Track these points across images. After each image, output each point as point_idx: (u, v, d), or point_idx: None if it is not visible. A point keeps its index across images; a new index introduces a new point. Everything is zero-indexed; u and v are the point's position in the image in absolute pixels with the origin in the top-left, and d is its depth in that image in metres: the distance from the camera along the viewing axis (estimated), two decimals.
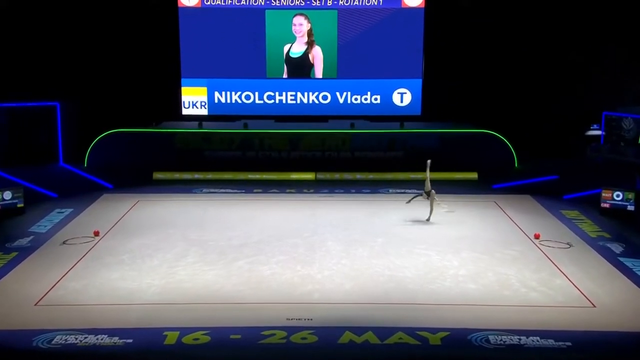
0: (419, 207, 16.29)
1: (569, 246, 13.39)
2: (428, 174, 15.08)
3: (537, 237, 13.85)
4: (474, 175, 19.57)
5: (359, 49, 20.83)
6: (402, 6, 20.65)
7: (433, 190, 14.79)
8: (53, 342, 9.19)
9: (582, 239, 13.84)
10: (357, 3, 20.61)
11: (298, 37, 20.90)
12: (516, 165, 20.66)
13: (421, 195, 14.92)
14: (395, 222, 15.12)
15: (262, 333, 9.44)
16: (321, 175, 19.84)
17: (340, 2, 20.60)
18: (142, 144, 20.57)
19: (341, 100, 21.17)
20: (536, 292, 11.02)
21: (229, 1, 20.58)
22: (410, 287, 11.23)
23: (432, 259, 12.63)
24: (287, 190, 18.20)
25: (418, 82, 21.01)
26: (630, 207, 15.37)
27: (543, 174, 19.14)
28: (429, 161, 15.15)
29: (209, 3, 20.62)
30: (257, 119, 21.30)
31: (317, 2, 20.58)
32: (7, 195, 15.34)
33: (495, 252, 13.02)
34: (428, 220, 14.82)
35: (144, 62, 21.13)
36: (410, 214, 15.67)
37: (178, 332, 9.44)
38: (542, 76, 21.60)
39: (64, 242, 13.43)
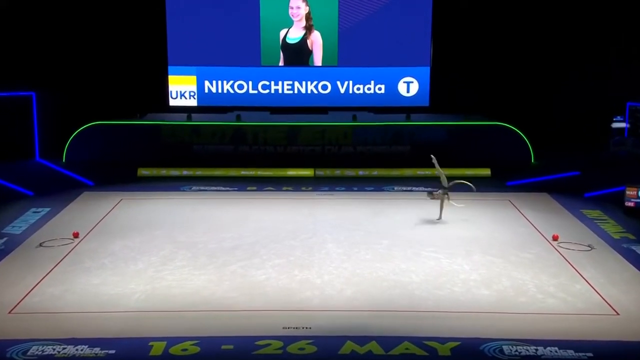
0: (428, 206, 16.28)
1: (590, 248, 13.39)
2: (440, 170, 15.00)
3: (555, 238, 13.85)
4: (486, 172, 19.57)
5: (362, 35, 20.80)
6: None
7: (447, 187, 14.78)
8: (29, 353, 9.17)
9: (604, 240, 13.84)
10: None
11: (295, 21, 20.86)
12: (533, 160, 20.65)
13: (442, 192, 14.80)
14: (401, 222, 15.11)
15: (257, 343, 9.42)
16: (320, 172, 19.82)
17: None
18: (126, 137, 20.54)
19: (342, 90, 21.15)
20: (554, 299, 11.02)
21: None
22: (417, 293, 11.23)
23: (441, 262, 12.62)
24: (284, 188, 18.19)
25: (426, 71, 20.99)
26: None
27: (562, 170, 19.14)
28: (434, 158, 15.08)
29: None
30: (250, 111, 21.28)
31: None
32: None
33: (510, 255, 13.02)
34: (439, 219, 14.83)
35: (128, 49, 21.09)
36: (418, 214, 15.66)
37: (165, 342, 9.43)
38: (561, 64, 21.58)
39: (40, 245, 13.41)
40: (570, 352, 9.22)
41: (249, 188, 18.24)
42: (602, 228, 14.66)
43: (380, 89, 21.12)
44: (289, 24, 20.86)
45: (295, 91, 21.16)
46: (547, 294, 11.22)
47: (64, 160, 20.45)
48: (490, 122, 20.87)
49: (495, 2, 21.16)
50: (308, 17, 20.73)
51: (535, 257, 12.91)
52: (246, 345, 9.34)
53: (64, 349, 9.21)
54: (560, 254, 13.12)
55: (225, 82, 21.05)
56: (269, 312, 10.50)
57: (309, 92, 21.16)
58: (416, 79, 21.07)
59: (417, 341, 9.45)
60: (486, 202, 16.58)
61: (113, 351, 9.17)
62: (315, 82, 21.12)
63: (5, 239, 13.64)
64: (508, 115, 20.94)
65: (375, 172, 19.78)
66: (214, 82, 21.05)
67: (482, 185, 17.85)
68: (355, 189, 18.26)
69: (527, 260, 12.77)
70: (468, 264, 12.57)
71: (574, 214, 15.69)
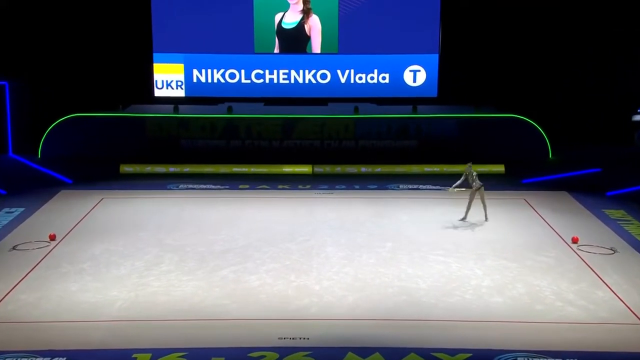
0: (435, 206, 16.28)
1: (613, 252, 13.38)
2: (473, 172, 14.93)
3: (575, 241, 13.84)
4: (500, 168, 19.57)
5: (365, 19, 20.78)
6: None
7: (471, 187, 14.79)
8: None
9: (628, 243, 13.82)
10: None
11: (292, 5, 20.83)
12: (550, 155, 20.65)
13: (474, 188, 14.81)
14: (407, 223, 15.08)
15: (250, 355, 9.40)
16: (319, 169, 19.80)
17: None
18: (107, 131, 20.52)
19: (343, 80, 21.14)
20: (574, 307, 11.00)
21: None
22: (424, 300, 11.22)
23: (451, 267, 12.61)
24: (279, 186, 18.16)
25: (434, 58, 20.98)
26: None
27: (582, 167, 19.14)
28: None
29: None
30: (243, 102, 21.26)
31: None
32: None
33: (526, 259, 13.01)
34: (464, 219, 14.81)
35: (109, 34, 21.05)
36: (425, 214, 15.63)
37: (150, 355, 9.40)
38: (580, 52, 21.58)
39: (13, 248, 13.38)
40: None
41: (241, 186, 18.20)
42: (626, 229, 14.64)
43: (384, 78, 21.10)
44: (285, 7, 20.82)
45: (292, 81, 21.14)
46: (566, 301, 11.20)
47: (39, 156, 20.43)
48: (504, 115, 20.86)
49: None
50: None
51: (553, 262, 12.88)
52: (238, 357, 9.31)
53: None
54: (581, 257, 13.09)
55: (215, 70, 21.03)
56: (264, 321, 10.46)
57: (306, 81, 21.14)
58: (423, 68, 21.05)
59: (425, 353, 9.42)
60: (500, 201, 16.57)
61: None
62: (313, 71, 21.10)
63: None
64: (523, 107, 20.94)
65: (379, 168, 19.76)
66: (203, 70, 21.02)
67: (495, 183, 17.86)
68: (357, 187, 18.23)
69: (545, 264, 12.75)
70: (480, 268, 12.54)
71: (596, 214, 15.67)
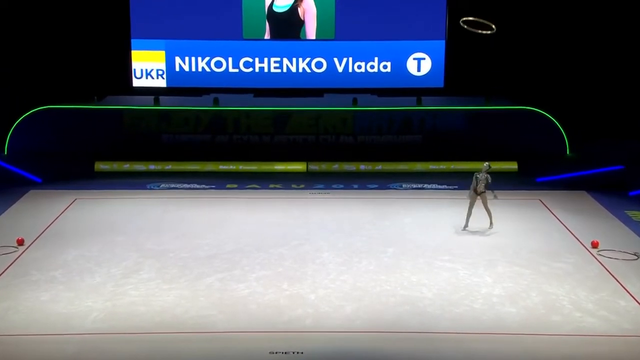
0: (442, 207, 16.28)
1: (636, 257, 13.40)
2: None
3: (595, 245, 13.85)
4: (513, 166, 19.57)
5: (364, 2, 20.73)
6: None
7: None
8: None
9: None
10: None
11: None
12: (567, 152, 20.66)
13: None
14: (411, 226, 15.08)
15: None
16: (314, 166, 19.79)
17: None
18: (81, 125, 20.46)
19: (340, 69, 21.10)
20: (594, 318, 11.02)
21: None
22: (429, 311, 11.22)
23: (459, 274, 12.61)
24: (271, 186, 18.15)
25: (440, 45, 20.95)
26: None
27: (602, 164, 19.13)
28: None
29: None
30: (230, 93, 21.20)
31: None
32: None
33: (541, 265, 13.02)
34: (490, 226, 14.75)
35: (83, 18, 20.96)
36: (431, 216, 15.64)
37: None
38: (599, 37, 21.56)
39: None
40: None
41: (228, 186, 18.19)
42: None
43: (385, 67, 21.07)
44: None
45: (284, 69, 21.09)
46: (585, 311, 11.21)
47: (5, 152, 20.36)
48: (517, 107, 20.86)
49: None
50: None
51: (571, 268, 12.90)
52: None
53: None
54: (601, 263, 13.11)
55: (200, 58, 20.96)
56: (253, 333, 10.46)
57: (300, 70, 21.09)
58: (428, 55, 21.03)
59: None
60: (512, 202, 16.57)
61: None
62: (307, 59, 21.05)
63: None
64: (538, 98, 20.92)
65: (380, 166, 19.74)
66: (187, 58, 20.96)
67: (507, 182, 17.86)
68: (356, 186, 18.23)
69: (562, 271, 12.76)
70: (491, 275, 12.55)
71: (617, 216, 15.69)
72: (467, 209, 14.73)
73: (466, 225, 14.72)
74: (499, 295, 11.76)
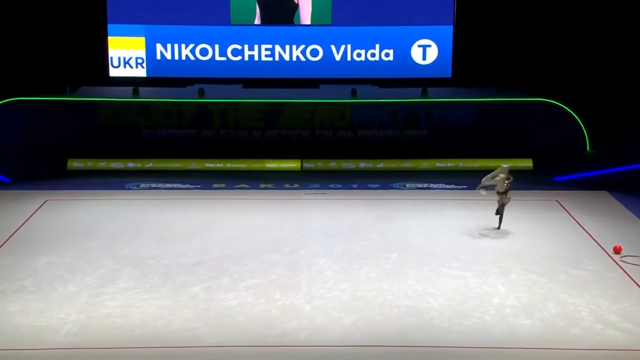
0: (450, 209, 16.28)
1: None
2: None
3: (617, 251, 13.87)
4: (527, 163, 19.59)
5: None
6: None
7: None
8: None
9: None
10: None
11: None
12: (588, 148, 20.68)
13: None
14: (416, 230, 15.10)
15: None
16: (310, 164, 19.79)
17: None
18: (52, 118, 20.40)
19: (338, 57, 21.10)
20: (617, 330, 11.03)
21: None
22: (436, 323, 11.23)
23: (468, 282, 12.63)
24: (262, 186, 18.16)
25: (448, 31, 20.96)
26: None
27: (626, 161, 19.14)
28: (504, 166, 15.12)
29: None
30: (217, 84, 21.18)
31: None
32: None
33: (559, 272, 13.04)
34: (498, 228, 14.89)
35: (54, 1, 20.92)
36: (437, 219, 15.64)
37: None
38: (625, 22, 21.58)
39: None
40: None
41: (215, 185, 18.19)
42: None
43: (387, 55, 21.07)
44: None
45: (276, 58, 21.08)
46: (607, 323, 11.22)
47: None
48: (532, 99, 20.87)
49: None
50: None
51: (591, 276, 12.91)
52: None
53: None
54: (624, 271, 13.12)
55: (183, 45, 20.94)
56: (242, 348, 10.45)
57: (294, 59, 21.08)
58: (435, 42, 21.04)
59: None
60: (527, 203, 16.59)
61: None
62: (302, 46, 21.05)
63: None
64: (555, 90, 20.92)
65: (382, 164, 19.74)
66: (169, 45, 20.94)
67: (522, 181, 17.85)
68: (355, 186, 18.23)
69: (581, 279, 12.78)
70: (503, 284, 12.56)
71: None
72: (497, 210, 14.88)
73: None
74: (512, 305, 11.77)
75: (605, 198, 17.20)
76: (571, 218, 15.79)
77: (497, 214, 14.92)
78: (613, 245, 14.02)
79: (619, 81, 21.78)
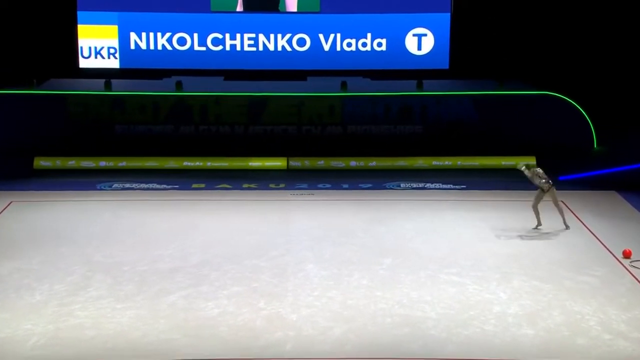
0: (447, 210, 16.30)
1: None
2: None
3: (627, 255, 13.90)
4: (531, 161, 19.59)
5: None
6: None
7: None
8: None
9: None
10: None
11: None
12: (595, 145, 20.74)
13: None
14: (411, 233, 15.10)
15: None
16: (296, 162, 19.78)
17: None
18: (18, 113, 20.34)
19: (327, 47, 21.10)
20: (627, 341, 11.05)
21: None
22: (433, 333, 11.23)
23: (468, 289, 12.63)
24: (245, 186, 18.15)
25: (445, 19, 20.99)
26: None
27: (636, 159, 19.21)
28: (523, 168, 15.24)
29: None
30: (196, 75, 21.16)
31: None
32: None
33: (564, 278, 13.06)
34: (566, 226, 15.05)
35: None
36: (434, 221, 15.66)
37: None
38: (631, 9, 21.65)
39: None
40: None
41: (195, 186, 18.18)
42: None
43: (380, 44, 21.08)
44: None
45: (260, 48, 21.06)
46: (616, 333, 11.25)
47: None
48: (536, 92, 20.93)
49: None
50: None
51: (599, 282, 12.94)
52: None
53: None
54: (634, 276, 13.15)
55: (159, 34, 20.89)
56: None
57: (279, 49, 21.07)
58: (431, 31, 21.07)
59: None
60: (530, 204, 16.59)
61: None
62: (288, 35, 21.04)
63: None
64: (560, 82, 20.99)
65: (374, 162, 19.77)
66: (144, 34, 20.88)
67: (524, 181, 17.86)
68: (346, 186, 18.24)
69: (588, 286, 12.80)
70: (505, 291, 12.58)
71: None
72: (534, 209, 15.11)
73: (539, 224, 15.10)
74: (514, 314, 11.79)
75: (613, 198, 17.26)
76: (578, 220, 15.84)
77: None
78: (622, 249, 14.06)
79: (628, 73, 21.85)
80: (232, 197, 17.40)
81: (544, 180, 15.08)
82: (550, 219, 15.82)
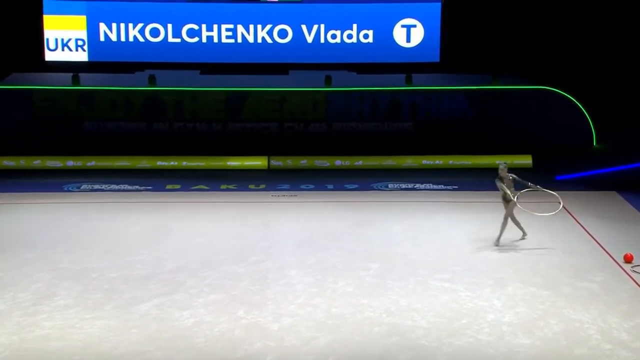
0: (439, 212, 16.33)
1: None
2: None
3: (628, 259, 13.95)
4: (526, 160, 19.69)
5: None
6: None
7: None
8: None
9: None
10: None
11: None
12: (594, 143, 20.82)
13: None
14: (400, 236, 15.13)
15: None
16: (278, 162, 19.78)
17: None
18: None
19: (310, 39, 21.11)
20: (628, 350, 11.09)
21: None
22: (423, 343, 11.24)
23: (460, 296, 12.65)
24: (223, 187, 18.14)
25: (435, 8, 21.04)
26: None
27: (637, 158, 19.30)
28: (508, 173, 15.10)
29: None
30: (171, 69, 21.12)
31: None
32: None
33: (562, 285, 13.10)
34: (496, 244, 14.85)
35: None
36: (425, 224, 15.69)
37: None
38: (632, 6, 21.76)
39: None
40: None
41: (169, 187, 18.16)
42: None
43: (366, 36, 21.12)
44: None
45: (239, 39, 21.05)
46: (617, 342, 11.28)
47: None
48: (531, 87, 21.00)
49: None
50: None
51: (599, 288, 12.97)
52: None
53: None
54: (636, 282, 13.18)
55: (131, 25, 20.86)
56: None
57: (259, 40, 21.07)
58: (420, 22, 21.11)
59: None
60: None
61: None
62: (268, 26, 21.04)
63: None
64: (557, 76, 21.07)
65: (360, 161, 19.79)
66: (114, 25, 20.83)
67: (519, 182, 17.96)
68: (331, 187, 18.26)
69: (588, 292, 12.84)
70: (499, 298, 12.59)
71: None
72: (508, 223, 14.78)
73: (524, 234, 14.92)
74: (509, 323, 11.81)
75: (614, 199, 17.33)
76: (576, 222, 15.90)
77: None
78: (623, 254, 14.11)
79: (629, 68, 21.95)
80: (209, 199, 17.38)
81: (511, 191, 14.82)
82: (546, 221, 15.89)
